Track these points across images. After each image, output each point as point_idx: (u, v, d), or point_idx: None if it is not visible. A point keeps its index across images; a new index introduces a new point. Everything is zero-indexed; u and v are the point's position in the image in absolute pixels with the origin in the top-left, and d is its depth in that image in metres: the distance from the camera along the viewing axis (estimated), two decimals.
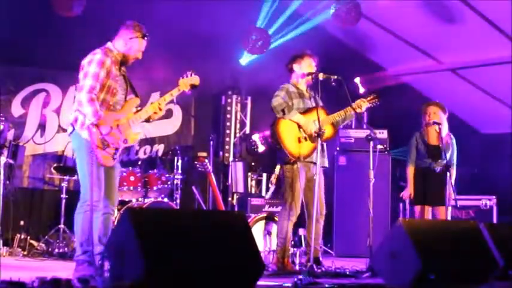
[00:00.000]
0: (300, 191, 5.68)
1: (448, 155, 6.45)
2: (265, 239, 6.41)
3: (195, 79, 5.16)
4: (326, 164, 5.94)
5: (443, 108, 6.60)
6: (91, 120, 4.57)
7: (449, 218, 6.51)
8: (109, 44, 4.88)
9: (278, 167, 5.95)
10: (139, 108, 5.00)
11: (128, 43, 4.86)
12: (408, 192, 6.60)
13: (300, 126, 5.73)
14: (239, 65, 9.32)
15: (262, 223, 6.46)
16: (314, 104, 5.88)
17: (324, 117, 5.80)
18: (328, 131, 5.78)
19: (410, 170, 6.63)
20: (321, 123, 5.50)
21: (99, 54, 4.72)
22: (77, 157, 4.82)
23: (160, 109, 4.99)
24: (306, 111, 5.81)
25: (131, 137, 4.87)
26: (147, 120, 5.09)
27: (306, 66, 5.90)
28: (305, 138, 5.72)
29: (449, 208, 6.49)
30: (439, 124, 6.41)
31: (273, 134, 5.76)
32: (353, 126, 8.52)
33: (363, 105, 5.95)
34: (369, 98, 6.03)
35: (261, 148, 9.11)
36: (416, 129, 6.70)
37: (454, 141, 6.66)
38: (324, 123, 5.73)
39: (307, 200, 5.74)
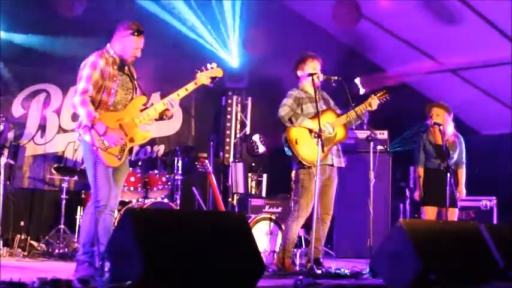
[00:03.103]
0: (313, 194, 5.59)
1: (455, 155, 6.45)
2: (265, 240, 6.41)
3: (218, 71, 5.06)
4: (342, 164, 5.98)
5: (447, 109, 6.57)
6: (86, 122, 4.59)
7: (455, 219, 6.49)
8: (107, 46, 4.88)
9: (293, 172, 5.95)
10: (146, 107, 4.92)
11: (122, 42, 4.82)
12: (418, 192, 6.57)
13: (311, 131, 5.69)
14: (239, 66, 9.32)
15: (262, 224, 6.46)
16: (324, 107, 5.88)
17: (334, 119, 5.80)
18: (340, 133, 5.80)
19: (420, 172, 6.58)
20: (332, 125, 5.70)
21: (92, 57, 4.76)
22: (84, 160, 4.88)
23: (172, 105, 4.87)
24: (316, 115, 5.66)
25: (139, 136, 4.83)
26: (162, 118, 4.99)
27: (309, 70, 5.82)
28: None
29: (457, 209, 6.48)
30: (440, 125, 6.39)
31: (285, 141, 5.73)
32: (353, 127, 8.49)
33: (373, 102, 5.90)
34: (378, 95, 5.97)
35: (262, 149, 9.12)
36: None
37: (461, 140, 6.64)
38: (336, 125, 5.75)
39: (320, 203, 5.68)
